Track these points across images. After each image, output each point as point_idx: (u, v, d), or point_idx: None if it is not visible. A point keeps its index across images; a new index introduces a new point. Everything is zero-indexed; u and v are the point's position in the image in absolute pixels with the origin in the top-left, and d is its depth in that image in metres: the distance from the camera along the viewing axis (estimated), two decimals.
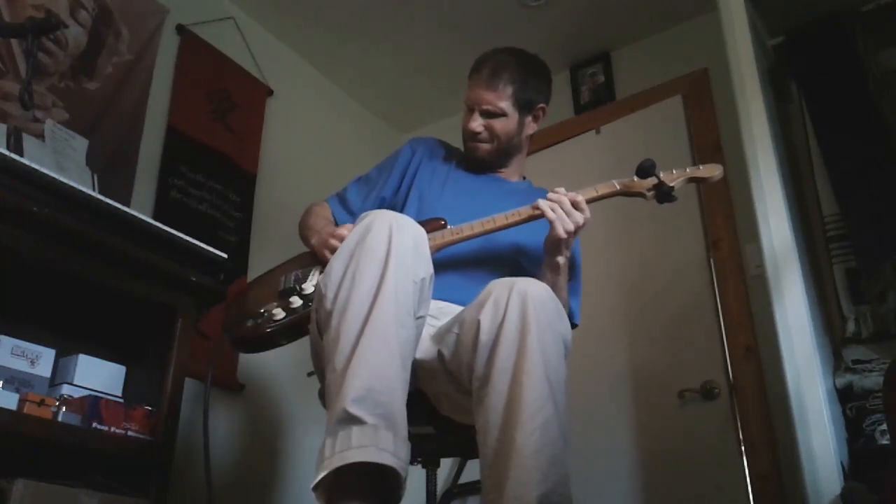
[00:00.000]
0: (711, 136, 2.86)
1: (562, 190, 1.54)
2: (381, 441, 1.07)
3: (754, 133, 2.24)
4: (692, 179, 1.60)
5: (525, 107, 1.75)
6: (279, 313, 1.50)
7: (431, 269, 1.33)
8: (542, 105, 1.79)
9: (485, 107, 1.72)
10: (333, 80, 3.54)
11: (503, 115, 1.72)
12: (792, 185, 2.44)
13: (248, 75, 3.02)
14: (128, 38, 2.55)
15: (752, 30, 2.40)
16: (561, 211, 1.50)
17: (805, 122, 2.64)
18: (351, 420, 1.09)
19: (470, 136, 1.77)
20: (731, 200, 2.77)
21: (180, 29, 2.77)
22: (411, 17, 3.14)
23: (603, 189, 1.59)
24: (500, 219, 1.58)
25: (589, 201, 1.58)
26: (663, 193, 1.55)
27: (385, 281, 1.21)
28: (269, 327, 1.49)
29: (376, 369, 1.13)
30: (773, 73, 2.68)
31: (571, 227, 1.50)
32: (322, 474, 1.07)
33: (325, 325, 1.25)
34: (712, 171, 1.61)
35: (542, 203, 1.52)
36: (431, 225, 1.59)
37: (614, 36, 3.26)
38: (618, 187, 1.59)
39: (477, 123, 1.74)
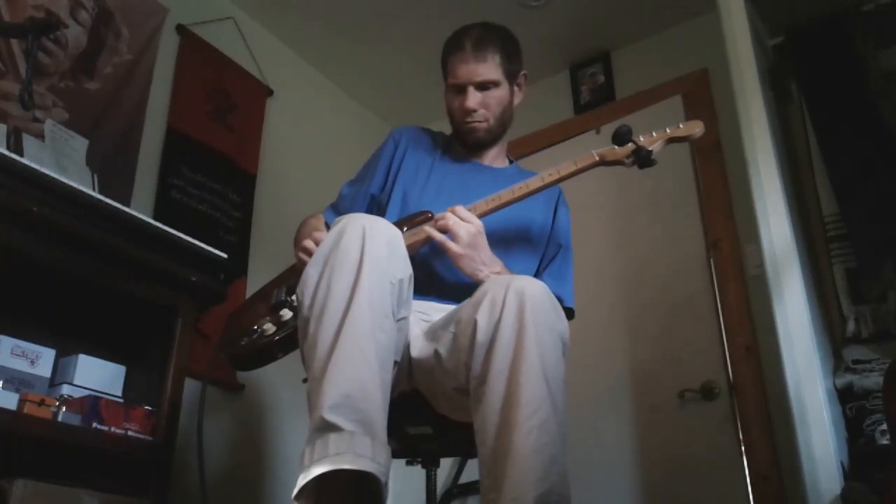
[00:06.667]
0: (711, 136, 2.86)
1: (459, 208, 1.52)
2: (358, 447, 1.07)
3: (754, 133, 2.24)
4: (672, 140, 1.55)
5: (511, 75, 1.72)
6: (270, 328, 1.49)
7: (410, 270, 1.32)
8: (524, 72, 1.77)
9: (478, 79, 1.66)
10: (333, 79, 3.54)
11: (496, 85, 1.68)
12: (792, 185, 2.44)
13: (248, 75, 3.02)
14: (128, 38, 2.55)
15: (752, 30, 2.40)
16: (453, 225, 1.49)
17: (805, 122, 2.63)
18: (328, 427, 1.08)
19: (465, 116, 1.70)
20: (731, 200, 2.77)
21: (180, 29, 2.77)
22: (411, 16, 3.14)
23: (582, 162, 1.57)
24: (481, 204, 1.56)
25: (569, 175, 1.57)
26: (642, 158, 1.51)
27: (359, 284, 1.19)
28: (261, 343, 1.47)
29: (352, 375, 1.12)
30: (773, 73, 2.68)
31: (464, 236, 1.48)
32: (302, 484, 1.07)
33: (303, 333, 1.24)
34: (692, 128, 1.55)
35: (428, 229, 1.51)
36: (417, 219, 1.57)
37: (614, 36, 3.26)
38: (596, 158, 1.56)
39: (474, 100, 1.67)
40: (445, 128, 1.86)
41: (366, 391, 1.12)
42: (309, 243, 1.52)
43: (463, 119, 1.71)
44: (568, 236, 1.79)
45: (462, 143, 1.79)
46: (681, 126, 1.57)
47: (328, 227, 1.78)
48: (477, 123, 1.71)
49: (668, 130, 1.55)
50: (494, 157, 1.81)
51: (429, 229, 1.51)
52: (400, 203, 1.71)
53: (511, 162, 1.87)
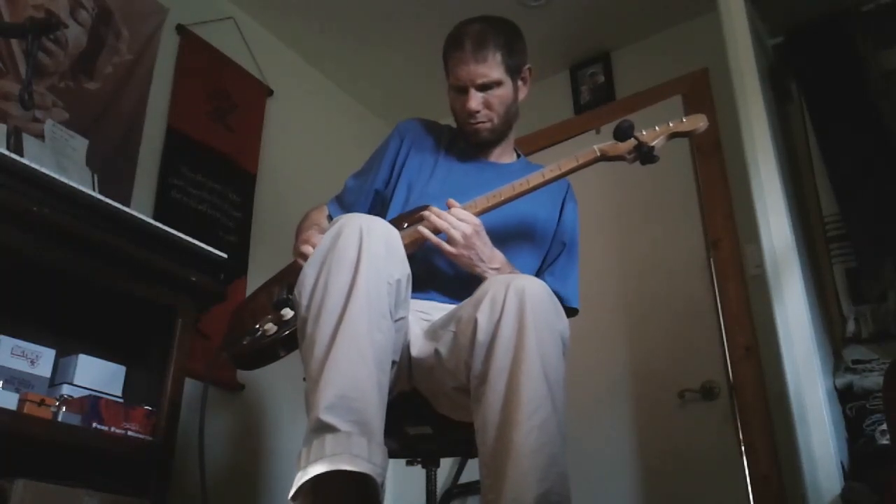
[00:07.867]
0: (711, 136, 2.86)
1: (455, 209, 1.51)
2: (354, 448, 1.06)
3: (754, 133, 2.24)
4: (675, 135, 1.53)
5: (515, 71, 1.69)
6: (271, 328, 1.48)
7: (408, 270, 1.31)
8: (528, 66, 1.74)
9: (479, 81, 1.63)
10: (333, 79, 3.54)
11: (499, 84, 1.66)
12: (792, 185, 2.44)
13: (248, 75, 3.02)
14: (128, 38, 2.55)
15: (752, 30, 2.40)
16: (447, 226, 1.48)
17: (805, 122, 2.63)
18: (324, 428, 1.08)
19: (468, 117, 1.68)
20: (731, 200, 2.77)
21: (180, 29, 2.77)
22: (411, 17, 3.14)
23: (583, 157, 1.55)
24: (481, 201, 1.55)
25: (571, 171, 1.56)
26: (644, 154, 1.50)
27: (356, 284, 1.19)
28: (263, 343, 1.47)
29: (349, 375, 1.12)
30: (773, 72, 2.68)
31: (458, 239, 1.47)
32: (298, 484, 1.07)
33: (301, 333, 1.24)
34: (696, 122, 1.54)
35: (421, 229, 1.50)
36: (417, 214, 1.56)
37: (614, 36, 3.26)
38: (598, 153, 1.55)
39: (476, 102, 1.65)
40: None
41: (362, 391, 1.12)
42: (304, 247, 1.52)
43: (466, 120, 1.70)
44: (574, 233, 1.77)
45: (467, 142, 1.78)
46: (684, 120, 1.55)
47: (331, 218, 1.79)
48: (480, 125, 1.69)
49: (670, 125, 1.54)
50: (501, 153, 1.80)
51: (423, 231, 1.50)
52: (404, 199, 1.70)
53: (519, 156, 1.85)
